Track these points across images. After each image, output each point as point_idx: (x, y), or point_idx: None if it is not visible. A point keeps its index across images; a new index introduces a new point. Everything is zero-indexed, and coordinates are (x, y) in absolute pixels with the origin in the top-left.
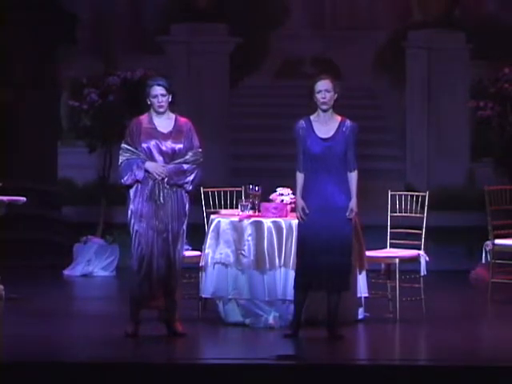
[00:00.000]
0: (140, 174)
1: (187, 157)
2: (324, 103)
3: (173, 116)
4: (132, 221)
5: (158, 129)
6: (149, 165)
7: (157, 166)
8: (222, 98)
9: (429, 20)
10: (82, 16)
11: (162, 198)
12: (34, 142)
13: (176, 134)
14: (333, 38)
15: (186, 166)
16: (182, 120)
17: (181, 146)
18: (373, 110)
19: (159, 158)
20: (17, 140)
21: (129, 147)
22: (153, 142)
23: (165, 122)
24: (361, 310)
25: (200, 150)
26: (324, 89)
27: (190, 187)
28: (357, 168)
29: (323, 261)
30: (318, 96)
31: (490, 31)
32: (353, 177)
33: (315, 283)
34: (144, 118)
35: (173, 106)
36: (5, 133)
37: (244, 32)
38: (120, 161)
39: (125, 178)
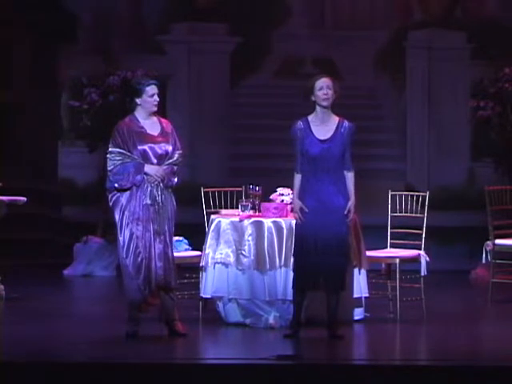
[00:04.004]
0: (139, 178)
1: (175, 158)
2: (326, 99)
3: (155, 117)
4: (126, 225)
5: (148, 131)
6: (149, 168)
7: (158, 169)
8: (222, 98)
9: (429, 20)
10: (82, 16)
11: (161, 201)
12: (34, 142)
13: (164, 135)
14: (333, 37)
15: (175, 167)
16: (164, 121)
17: (171, 147)
18: (373, 110)
19: (154, 160)
20: (17, 140)
21: (120, 150)
22: (148, 145)
23: (152, 124)
24: (361, 310)
25: (181, 151)
26: (326, 85)
27: (173, 187)
28: (353, 168)
29: (320, 261)
30: (320, 93)
31: (490, 31)
32: (350, 177)
33: (313, 283)
34: (130, 120)
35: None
36: (5, 133)
37: (244, 32)
38: (111, 165)
39: (121, 182)
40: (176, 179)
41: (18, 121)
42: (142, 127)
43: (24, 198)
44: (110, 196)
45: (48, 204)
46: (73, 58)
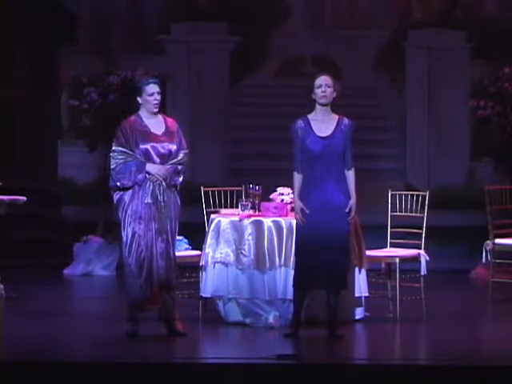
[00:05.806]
0: (140, 177)
1: (179, 158)
2: (324, 97)
3: (160, 116)
4: (129, 224)
5: (152, 130)
6: (150, 167)
7: (160, 168)
8: (222, 98)
9: (429, 19)
10: (82, 16)
11: (163, 200)
12: (34, 141)
13: (168, 134)
14: (333, 37)
15: (180, 167)
16: (169, 120)
17: (175, 146)
18: (373, 110)
19: (157, 159)
20: (17, 140)
21: (123, 149)
22: (150, 144)
23: (156, 123)
24: (361, 310)
25: (187, 150)
26: (324, 83)
27: (178, 187)
28: (354, 166)
29: (321, 259)
30: (318, 91)
31: (490, 31)
32: (351, 175)
33: (314, 282)
34: (134, 119)
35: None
36: (5, 132)
37: (244, 31)
38: (113, 164)
39: (123, 181)
40: (181, 179)
41: (18, 121)
42: (146, 126)
43: (24, 198)
44: (114, 195)
45: (48, 204)
46: (73, 58)
